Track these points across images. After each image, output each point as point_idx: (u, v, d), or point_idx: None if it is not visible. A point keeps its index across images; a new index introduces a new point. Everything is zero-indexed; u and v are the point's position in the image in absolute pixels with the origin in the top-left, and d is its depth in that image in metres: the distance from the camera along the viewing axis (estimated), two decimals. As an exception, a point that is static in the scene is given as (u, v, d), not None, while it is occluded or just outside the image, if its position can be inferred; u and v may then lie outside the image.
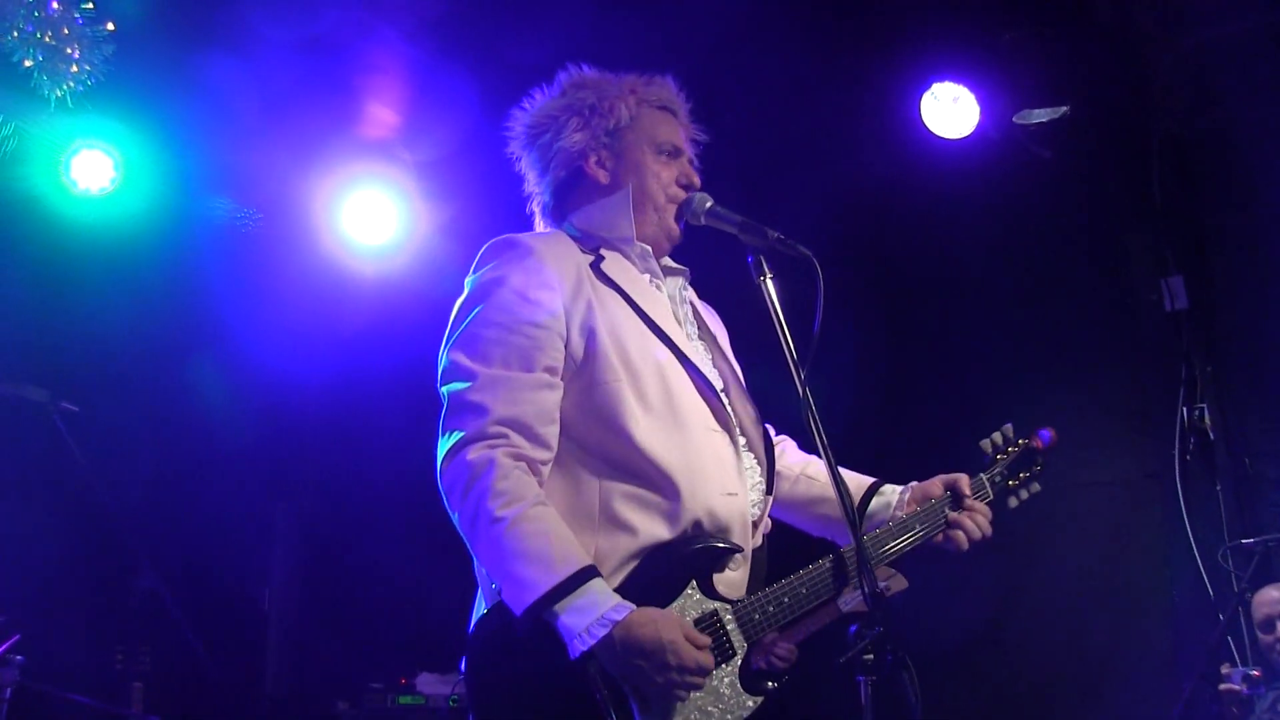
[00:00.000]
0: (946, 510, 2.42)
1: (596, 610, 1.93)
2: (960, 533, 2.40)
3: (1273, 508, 4.63)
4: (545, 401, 2.12)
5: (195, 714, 4.74)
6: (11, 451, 4.59)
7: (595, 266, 2.28)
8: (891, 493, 2.48)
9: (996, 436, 2.56)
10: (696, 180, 2.43)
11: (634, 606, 1.97)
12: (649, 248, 2.37)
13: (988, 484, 2.55)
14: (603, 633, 1.92)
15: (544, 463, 2.12)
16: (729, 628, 2.12)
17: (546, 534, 1.99)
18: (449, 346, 2.19)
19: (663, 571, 2.11)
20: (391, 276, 5.31)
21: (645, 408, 2.14)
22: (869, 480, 2.50)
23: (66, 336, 4.81)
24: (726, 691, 2.08)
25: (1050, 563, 4.91)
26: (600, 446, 2.14)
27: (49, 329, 4.78)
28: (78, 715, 4.12)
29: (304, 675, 5.50)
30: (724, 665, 2.09)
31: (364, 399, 5.66)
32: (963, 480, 2.46)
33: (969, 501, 2.44)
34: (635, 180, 2.36)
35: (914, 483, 2.48)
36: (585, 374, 2.16)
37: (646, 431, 2.13)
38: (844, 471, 2.47)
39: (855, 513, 2.16)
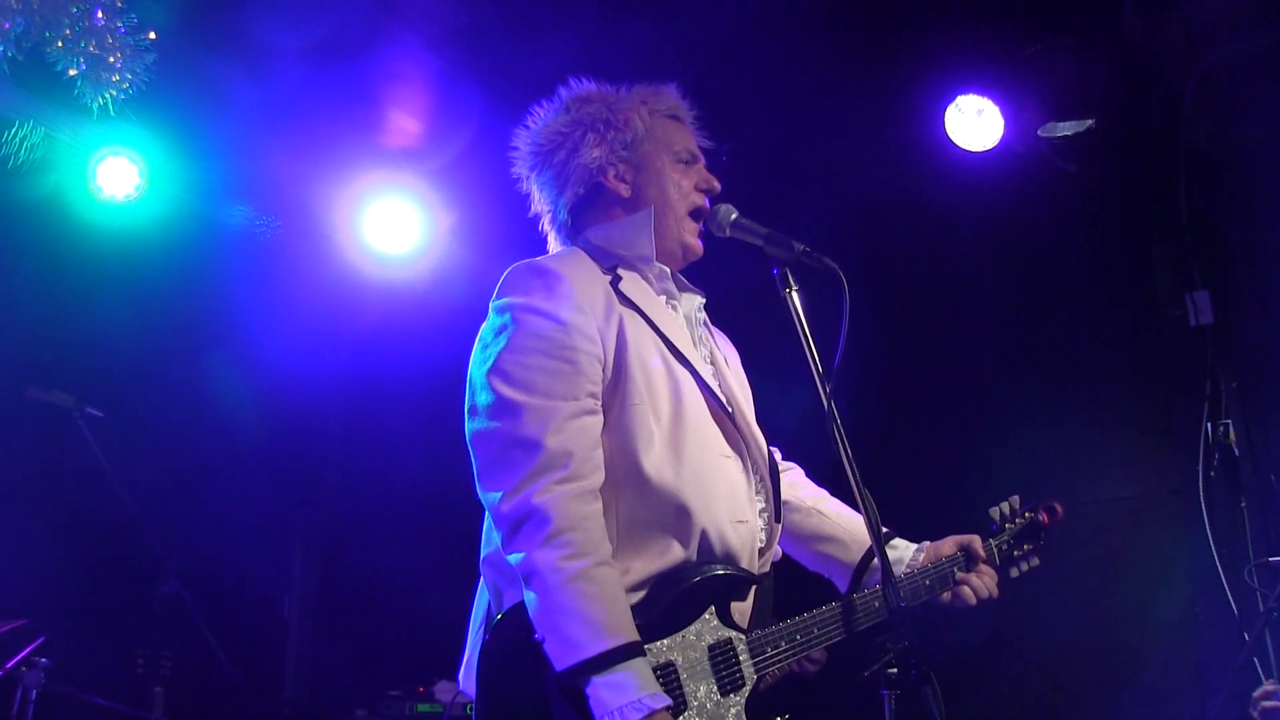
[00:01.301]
0: (956, 570, 2.44)
1: (635, 692, 1.87)
2: (968, 589, 2.43)
3: (1299, 525, 4.58)
4: (592, 428, 2.08)
5: (215, 719, 4.76)
6: (37, 456, 4.63)
7: (614, 286, 2.26)
8: (905, 548, 2.49)
9: (1005, 506, 2.63)
10: (716, 184, 2.42)
11: (670, 701, 1.93)
12: (667, 269, 2.36)
13: (995, 550, 2.61)
14: (636, 718, 1.86)
15: (599, 487, 2.08)
16: (741, 658, 2.12)
17: (604, 597, 1.93)
18: (485, 376, 2.12)
19: (684, 594, 2.10)
20: (413, 285, 5.33)
21: (661, 431, 2.13)
22: (882, 529, 2.48)
23: (91, 342, 4.85)
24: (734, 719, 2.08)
25: (1073, 578, 4.87)
26: (619, 468, 2.11)
27: (74, 334, 4.82)
28: (100, 718, 4.14)
29: (323, 681, 5.52)
30: (732, 695, 2.08)
31: (386, 407, 5.68)
32: (977, 542, 2.50)
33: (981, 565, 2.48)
34: (657, 191, 2.35)
35: (926, 542, 2.50)
36: (615, 396, 2.14)
37: (660, 455, 2.12)
38: (849, 521, 2.48)
39: (879, 527, 2.14)
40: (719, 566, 2.14)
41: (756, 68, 4.70)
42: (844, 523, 2.48)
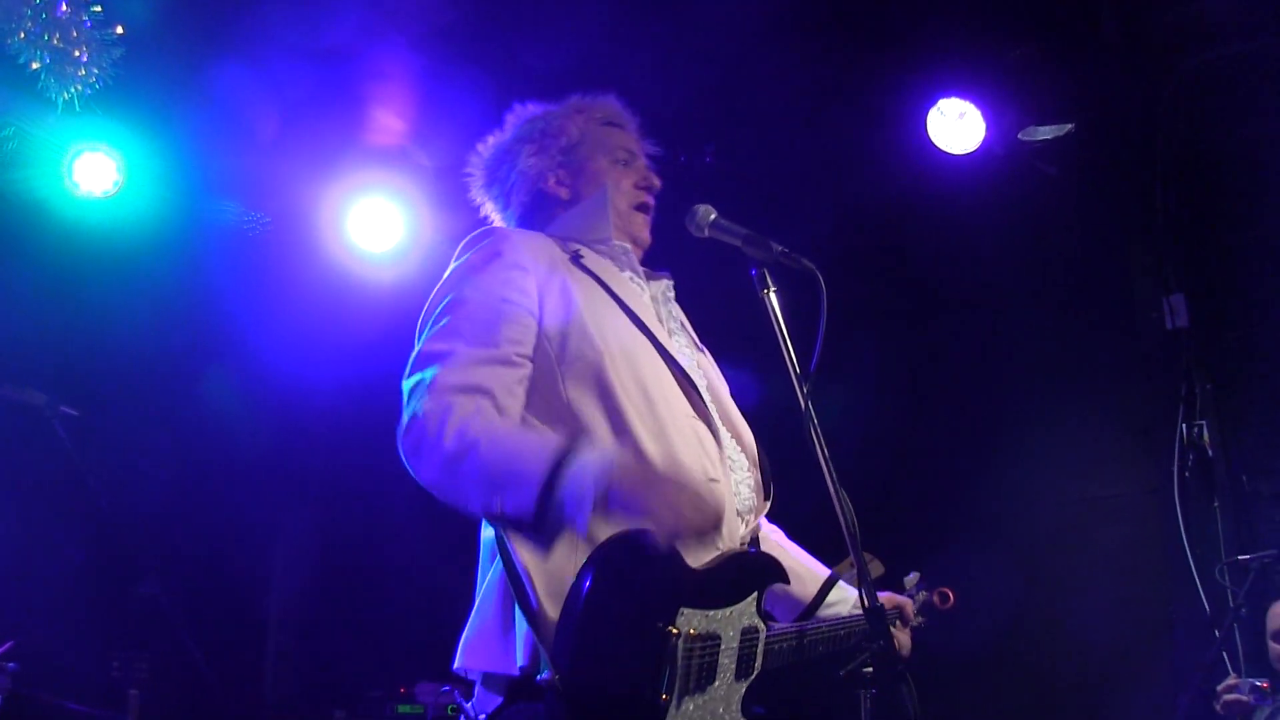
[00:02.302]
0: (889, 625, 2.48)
1: (592, 469, 1.87)
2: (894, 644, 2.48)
3: (1269, 524, 4.63)
4: (505, 377, 2.07)
5: (192, 720, 4.74)
6: (11, 455, 4.59)
7: (575, 259, 2.30)
8: (852, 594, 2.48)
9: (909, 581, 2.72)
10: (656, 181, 2.46)
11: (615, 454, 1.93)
12: (629, 247, 2.38)
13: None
14: (603, 476, 1.85)
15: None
16: (759, 648, 2.14)
17: (519, 431, 1.97)
18: (422, 336, 2.16)
19: (744, 570, 2.13)
20: (397, 283, 5.32)
21: (622, 389, 2.13)
22: (828, 572, 2.51)
23: (68, 340, 4.81)
24: (735, 705, 2.10)
25: (1050, 577, 4.91)
26: (590, 423, 2.10)
27: (51, 332, 4.78)
28: (74, 722, 4.11)
29: (302, 683, 5.50)
30: (742, 681, 2.11)
31: (366, 406, 5.66)
32: (909, 607, 2.59)
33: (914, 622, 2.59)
34: (596, 190, 2.40)
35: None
36: (565, 351, 2.14)
37: (624, 412, 2.11)
38: (807, 558, 2.51)
39: (855, 528, 2.15)
40: (764, 557, 2.18)
41: (737, 72, 4.71)
42: (802, 558, 2.52)
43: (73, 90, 3.07)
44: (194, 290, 5.12)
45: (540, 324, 2.15)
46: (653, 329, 2.26)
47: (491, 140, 2.50)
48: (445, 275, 2.28)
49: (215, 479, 5.22)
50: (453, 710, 4.78)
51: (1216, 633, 4.18)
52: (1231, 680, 3.90)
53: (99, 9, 3.06)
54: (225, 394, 5.15)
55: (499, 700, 2.03)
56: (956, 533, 4.97)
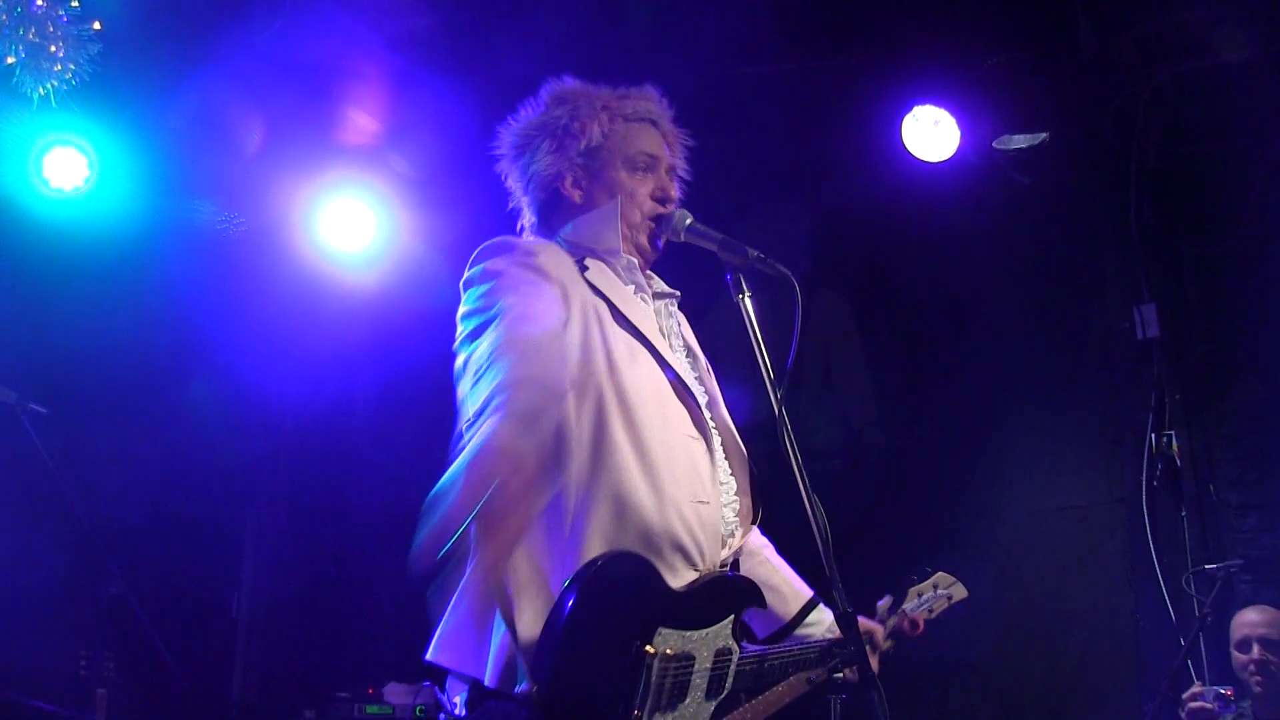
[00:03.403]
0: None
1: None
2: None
3: (1235, 534, 4.68)
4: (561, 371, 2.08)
5: (159, 721, 4.69)
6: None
7: (581, 270, 2.27)
8: (829, 617, 2.48)
9: (881, 606, 2.72)
10: (673, 193, 2.41)
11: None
12: (635, 260, 2.35)
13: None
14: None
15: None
16: (731, 669, 2.14)
17: None
18: (468, 339, 2.12)
19: (719, 592, 2.14)
20: (368, 285, 5.30)
21: (618, 405, 2.12)
22: (809, 593, 2.50)
23: (37, 337, 4.75)
24: None
25: (1018, 585, 4.94)
26: (583, 440, 2.09)
27: (19, 329, 4.72)
28: (39, 721, 4.06)
29: (271, 683, 5.46)
30: (710, 700, 2.11)
31: (336, 407, 5.63)
32: (880, 633, 2.58)
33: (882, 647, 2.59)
34: (609, 199, 2.35)
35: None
36: (577, 372, 2.12)
37: (618, 427, 2.10)
38: (793, 576, 2.50)
39: (828, 536, 2.15)
40: (742, 580, 2.19)
41: (713, 78, 4.72)
42: (788, 576, 2.51)
43: (48, 86, 3.03)
44: (165, 289, 5.07)
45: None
46: (655, 344, 2.24)
47: (524, 114, 2.43)
48: (473, 276, 2.21)
49: (184, 479, 5.17)
50: (421, 711, 4.76)
51: (1182, 641, 4.22)
52: (1196, 688, 3.95)
53: (76, 4, 3.02)
54: (195, 393, 5.10)
55: (470, 697, 2.03)
56: (927, 541, 4.99)
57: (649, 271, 2.44)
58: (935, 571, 2.81)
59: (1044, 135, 5.00)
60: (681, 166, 2.47)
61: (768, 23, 4.56)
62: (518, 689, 1.89)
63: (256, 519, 5.69)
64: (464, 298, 2.22)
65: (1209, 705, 3.84)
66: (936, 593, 2.76)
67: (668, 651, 2.00)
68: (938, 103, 4.88)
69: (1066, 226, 5.26)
